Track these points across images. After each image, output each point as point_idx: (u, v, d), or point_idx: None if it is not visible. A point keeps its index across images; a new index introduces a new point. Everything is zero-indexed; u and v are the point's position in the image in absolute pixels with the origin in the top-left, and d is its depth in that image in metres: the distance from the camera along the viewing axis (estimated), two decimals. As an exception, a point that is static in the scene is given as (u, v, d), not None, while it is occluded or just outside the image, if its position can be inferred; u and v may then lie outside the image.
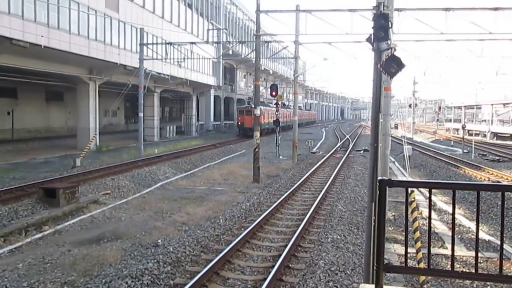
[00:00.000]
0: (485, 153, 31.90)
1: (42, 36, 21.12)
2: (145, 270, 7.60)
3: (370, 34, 5.44)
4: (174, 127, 45.22)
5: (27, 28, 20.60)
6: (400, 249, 9.37)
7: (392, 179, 3.75)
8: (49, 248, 9.43)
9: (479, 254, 9.43)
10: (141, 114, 27.06)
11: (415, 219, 7.79)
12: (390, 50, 5.54)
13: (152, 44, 29.53)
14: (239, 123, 45.03)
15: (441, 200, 15.63)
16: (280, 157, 27.13)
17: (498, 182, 19.37)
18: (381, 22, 5.31)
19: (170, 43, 28.21)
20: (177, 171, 21.06)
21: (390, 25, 5.43)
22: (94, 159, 23.01)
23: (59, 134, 36.13)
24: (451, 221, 4.05)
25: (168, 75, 33.62)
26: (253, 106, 37.07)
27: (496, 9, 18.03)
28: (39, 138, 32.57)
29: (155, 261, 8.03)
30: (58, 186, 13.43)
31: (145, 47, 27.00)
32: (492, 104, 61.01)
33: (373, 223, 4.08)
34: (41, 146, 29.89)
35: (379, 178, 3.66)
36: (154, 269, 7.69)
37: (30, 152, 26.24)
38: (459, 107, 72.77)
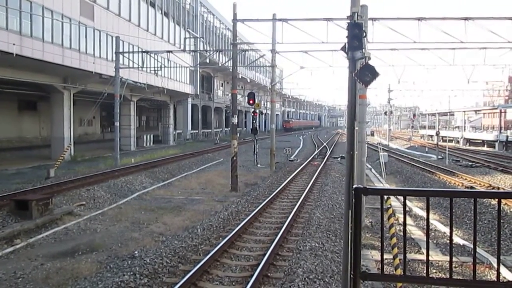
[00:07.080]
0: (458, 159, 32.65)
1: (14, 44, 20.67)
2: (121, 282, 7.44)
3: (345, 43, 5.48)
4: (151, 136, 44.75)
5: (-2, 36, 20.17)
6: (378, 256, 9.44)
7: (368, 186, 3.78)
8: (21, 262, 9.14)
9: (454, 259, 9.60)
10: (117, 123, 26.74)
11: (391, 226, 7.86)
12: (364, 59, 5.60)
13: (128, 52, 29.27)
14: (284, 126, 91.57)
15: (416, 206, 15.87)
16: (258, 165, 27.13)
17: (471, 187, 19.84)
18: (355, 31, 5.35)
19: (147, 52, 28.04)
20: (154, 180, 20.81)
21: (364, 35, 5.49)
22: (69, 170, 22.54)
23: (32, 144, 35.31)
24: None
25: (144, 84, 33.41)
26: (293, 120, 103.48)
27: (466, 19, 18.55)
28: (11, 149, 31.74)
29: (132, 273, 7.87)
30: (30, 197, 13.02)
31: (121, 56, 26.74)
32: (464, 111, 62.75)
33: (350, 231, 4.10)
34: (13, 157, 29.08)
35: (354, 186, 3.68)
36: (131, 282, 7.53)
37: (1, 163, 25.48)
38: (433, 114, 74.46)
